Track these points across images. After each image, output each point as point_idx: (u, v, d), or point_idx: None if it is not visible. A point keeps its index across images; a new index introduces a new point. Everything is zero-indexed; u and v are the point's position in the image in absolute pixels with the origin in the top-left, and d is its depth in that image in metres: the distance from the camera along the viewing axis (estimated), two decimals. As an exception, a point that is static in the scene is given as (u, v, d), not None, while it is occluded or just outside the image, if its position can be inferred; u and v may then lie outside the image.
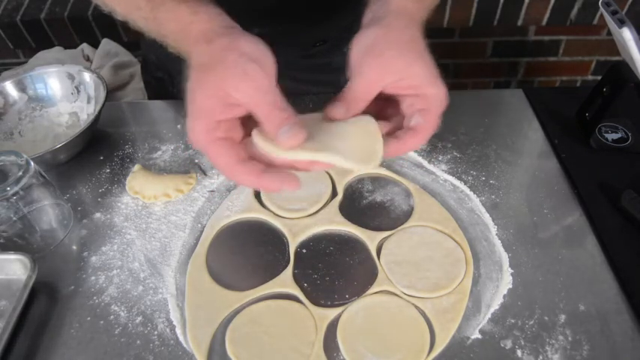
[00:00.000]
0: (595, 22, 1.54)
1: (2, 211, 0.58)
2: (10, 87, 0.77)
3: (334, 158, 0.43)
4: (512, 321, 0.52)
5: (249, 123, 0.45)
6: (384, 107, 0.49)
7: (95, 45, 1.46)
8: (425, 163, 0.70)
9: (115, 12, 0.53)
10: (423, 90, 0.45)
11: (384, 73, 0.45)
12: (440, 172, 0.68)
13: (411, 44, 0.45)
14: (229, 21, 0.46)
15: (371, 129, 0.46)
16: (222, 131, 0.43)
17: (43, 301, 0.57)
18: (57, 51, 1.47)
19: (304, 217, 0.63)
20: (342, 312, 0.54)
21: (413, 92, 0.45)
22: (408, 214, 0.63)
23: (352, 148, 0.44)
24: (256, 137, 0.44)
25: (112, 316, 0.55)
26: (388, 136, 0.47)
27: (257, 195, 0.66)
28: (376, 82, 0.45)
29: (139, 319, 0.54)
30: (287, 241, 0.61)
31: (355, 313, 0.54)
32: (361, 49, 0.46)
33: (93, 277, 0.58)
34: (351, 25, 0.79)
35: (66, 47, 1.50)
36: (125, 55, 1.43)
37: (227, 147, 0.43)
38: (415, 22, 0.47)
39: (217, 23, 0.45)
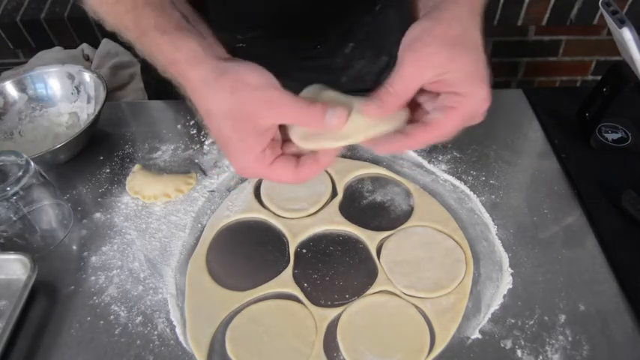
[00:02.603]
0: (595, 22, 1.54)
1: (2, 211, 0.58)
2: (10, 87, 0.77)
3: (381, 129, 0.45)
4: (512, 321, 0.52)
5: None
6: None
7: (95, 45, 1.46)
8: (425, 163, 0.70)
9: (105, 22, 0.52)
10: (460, 88, 0.43)
11: (422, 69, 0.43)
12: (440, 172, 0.68)
13: (458, 38, 0.43)
14: (211, 49, 0.46)
15: None
16: (270, 154, 0.45)
17: (43, 301, 0.57)
18: (57, 51, 1.47)
19: (304, 217, 0.63)
20: (342, 312, 0.54)
21: (451, 89, 0.44)
22: (408, 214, 0.63)
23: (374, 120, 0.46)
24: (300, 142, 0.46)
25: (112, 316, 0.55)
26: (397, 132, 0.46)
27: (257, 195, 0.66)
28: (415, 78, 0.44)
29: (139, 319, 0.54)
30: (287, 241, 0.61)
31: (355, 313, 0.54)
32: (406, 43, 0.44)
33: (93, 277, 0.58)
34: (351, 27, 0.80)
35: (66, 47, 1.50)
36: (125, 55, 1.43)
37: (282, 163, 0.46)
38: (473, 11, 0.45)
39: (205, 66, 0.44)
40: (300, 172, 0.47)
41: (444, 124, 0.44)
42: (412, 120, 0.47)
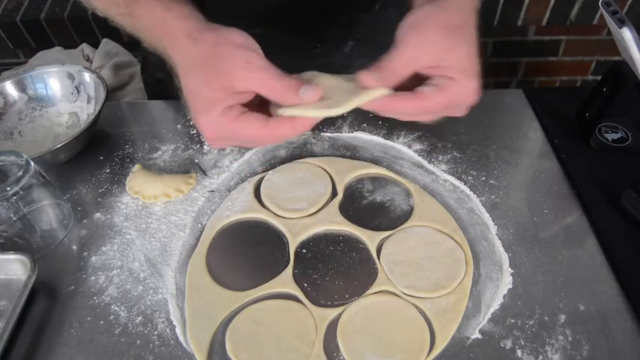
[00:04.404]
0: (595, 22, 1.54)
1: (2, 211, 0.58)
2: (10, 87, 0.77)
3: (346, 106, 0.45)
4: (512, 321, 0.52)
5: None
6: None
7: (95, 45, 1.46)
8: (425, 163, 0.70)
9: (95, 9, 0.54)
10: (455, 75, 0.44)
11: (423, 53, 0.44)
12: (440, 172, 0.68)
13: (458, 30, 0.44)
14: (203, 19, 0.47)
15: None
16: (237, 110, 0.44)
17: (43, 301, 0.57)
18: (57, 51, 1.47)
19: (304, 217, 0.63)
20: (342, 312, 0.54)
21: (445, 74, 0.44)
22: (408, 214, 0.63)
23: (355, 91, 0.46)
24: (281, 110, 0.46)
25: (112, 316, 0.55)
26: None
27: (257, 195, 0.66)
28: (414, 59, 0.44)
29: (139, 319, 0.54)
30: (287, 241, 0.61)
31: (355, 313, 0.54)
32: (408, 24, 0.45)
33: (93, 277, 0.58)
34: (351, 26, 0.80)
35: (66, 47, 1.50)
36: (125, 55, 1.43)
37: (250, 116, 0.44)
38: (472, 6, 0.46)
39: (193, 21, 0.46)
40: (270, 125, 0.44)
41: (431, 98, 0.44)
42: None
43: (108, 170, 0.71)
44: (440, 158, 0.70)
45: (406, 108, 0.45)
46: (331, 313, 0.54)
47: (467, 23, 0.45)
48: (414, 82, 0.46)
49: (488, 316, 0.53)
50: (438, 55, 0.44)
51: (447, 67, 0.44)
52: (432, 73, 0.45)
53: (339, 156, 0.71)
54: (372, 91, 0.45)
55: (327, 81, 0.48)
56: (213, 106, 0.44)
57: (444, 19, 0.44)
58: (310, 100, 0.44)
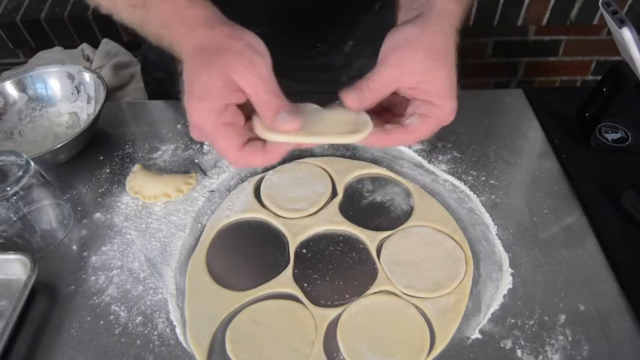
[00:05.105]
0: (595, 22, 1.54)
1: (2, 211, 0.58)
2: (10, 87, 0.77)
3: (324, 139, 0.46)
4: (512, 321, 0.52)
5: (244, 110, 0.46)
6: (390, 108, 0.50)
7: (95, 45, 1.46)
8: (425, 163, 0.70)
9: (100, 6, 0.53)
10: (435, 99, 0.45)
11: (404, 73, 0.45)
12: (440, 172, 0.68)
13: (439, 51, 0.45)
14: (222, 14, 0.47)
15: (360, 115, 0.47)
16: (229, 115, 0.44)
17: (43, 301, 0.57)
18: (57, 51, 1.47)
19: (304, 217, 0.63)
20: (342, 312, 0.54)
21: (425, 98, 0.46)
22: (408, 214, 0.63)
23: (339, 127, 0.46)
24: (256, 123, 0.45)
25: (112, 316, 0.55)
26: (377, 127, 0.47)
27: (257, 195, 0.66)
28: (395, 79, 0.45)
29: (139, 319, 0.54)
30: (287, 241, 0.61)
31: (355, 313, 0.54)
32: (391, 43, 0.46)
33: (93, 277, 0.58)
34: (351, 25, 0.80)
35: (66, 47, 1.50)
36: (125, 55, 1.43)
37: (235, 132, 0.44)
38: (453, 26, 0.47)
39: (213, 13, 0.47)
40: (243, 153, 0.44)
41: (419, 129, 0.47)
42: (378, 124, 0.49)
43: (108, 170, 0.71)
44: (440, 158, 0.70)
45: (400, 142, 0.48)
46: (331, 313, 0.54)
47: (447, 44, 0.46)
48: (393, 100, 0.48)
49: (488, 316, 0.53)
50: (420, 76, 0.45)
51: (427, 90, 0.45)
52: (413, 94, 0.46)
53: (339, 156, 0.71)
54: (352, 136, 0.46)
55: (323, 115, 0.48)
56: (208, 96, 0.43)
57: (426, 41, 0.45)
58: (282, 129, 0.43)
